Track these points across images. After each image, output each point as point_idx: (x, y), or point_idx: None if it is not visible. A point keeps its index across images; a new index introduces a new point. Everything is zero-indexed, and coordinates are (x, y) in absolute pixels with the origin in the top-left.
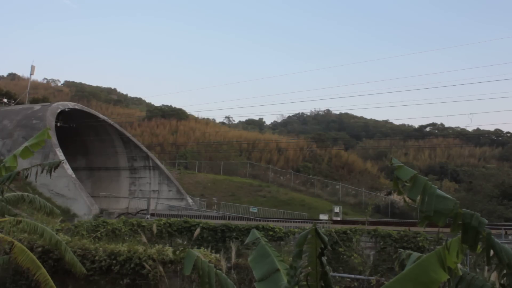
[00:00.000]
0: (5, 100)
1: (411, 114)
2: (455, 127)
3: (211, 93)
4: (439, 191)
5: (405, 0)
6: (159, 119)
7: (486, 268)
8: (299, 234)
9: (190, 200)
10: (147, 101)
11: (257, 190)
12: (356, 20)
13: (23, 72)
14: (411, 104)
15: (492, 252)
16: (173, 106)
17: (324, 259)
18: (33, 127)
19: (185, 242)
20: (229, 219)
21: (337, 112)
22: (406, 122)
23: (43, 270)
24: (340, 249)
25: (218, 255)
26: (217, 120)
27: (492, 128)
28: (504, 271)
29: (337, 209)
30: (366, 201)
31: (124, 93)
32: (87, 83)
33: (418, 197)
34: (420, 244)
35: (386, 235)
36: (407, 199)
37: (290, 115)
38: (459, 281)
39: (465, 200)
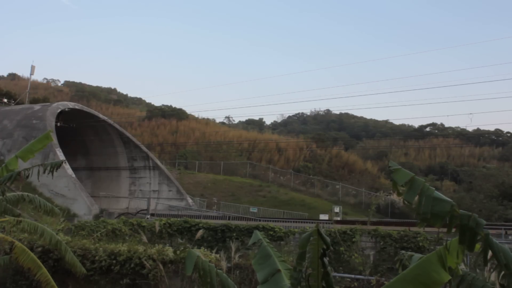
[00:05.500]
0: (5, 100)
1: (411, 114)
2: (455, 127)
3: (211, 93)
4: (436, 193)
5: (405, 0)
6: (159, 119)
7: (487, 268)
8: (300, 234)
9: (190, 200)
10: (147, 101)
11: (257, 190)
12: (356, 20)
13: (23, 72)
14: (411, 104)
15: (490, 253)
16: (173, 106)
17: (326, 259)
18: (33, 127)
19: (187, 243)
20: (229, 219)
21: (337, 112)
22: (406, 122)
23: (44, 270)
24: (341, 249)
25: (218, 255)
26: (217, 120)
27: (492, 128)
28: (503, 272)
29: (337, 209)
30: (366, 201)
31: (124, 93)
32: (87, 83)
33: (416, 199)
34: (420, 244)
35: (386, 235)
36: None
37: (290, 115)
38: (460, 282)
39: (465, 200)
